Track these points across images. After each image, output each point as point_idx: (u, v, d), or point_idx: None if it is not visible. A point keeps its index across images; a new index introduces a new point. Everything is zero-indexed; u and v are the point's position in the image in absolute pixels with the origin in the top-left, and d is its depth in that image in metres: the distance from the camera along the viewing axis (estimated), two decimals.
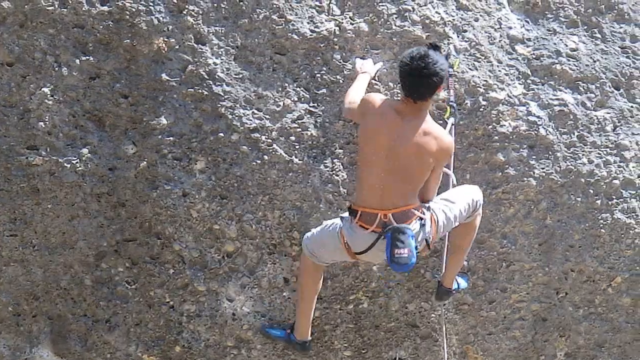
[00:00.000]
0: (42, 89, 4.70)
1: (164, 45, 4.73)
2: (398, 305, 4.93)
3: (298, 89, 4.78)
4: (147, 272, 4.82)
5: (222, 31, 4.77)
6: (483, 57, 4.84)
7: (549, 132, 4.87)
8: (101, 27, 4.73)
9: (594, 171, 4.90)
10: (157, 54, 4.73)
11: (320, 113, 4.78)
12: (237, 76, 4.75)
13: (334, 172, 4.77)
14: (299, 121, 4.76)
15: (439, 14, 4.85)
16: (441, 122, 4.60)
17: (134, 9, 4.73)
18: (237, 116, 4.74)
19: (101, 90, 4.74)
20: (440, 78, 4.22)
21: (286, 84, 4.77)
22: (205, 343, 4.88)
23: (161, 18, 4.73)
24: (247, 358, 4.92)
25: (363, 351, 5.00)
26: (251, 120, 4.74)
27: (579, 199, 4.89)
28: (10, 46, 4.66)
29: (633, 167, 4.94)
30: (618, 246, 4.96)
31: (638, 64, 5.01)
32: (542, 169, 4.85)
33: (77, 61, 4.72)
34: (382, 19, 4.82)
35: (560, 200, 4.88)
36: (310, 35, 4.78)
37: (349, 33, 4.80)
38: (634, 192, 4.95)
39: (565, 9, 5.00)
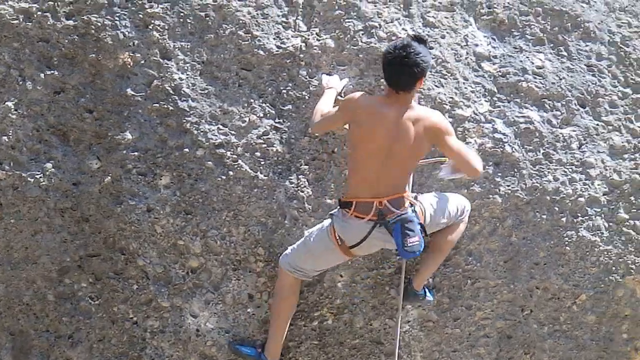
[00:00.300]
0: (6, 103, 4.74)
1: (129, 60, 4.77)
2: (363, 322, 4.97)
3: (264, 104, 4.82)
4: (111, 288, 4.85)
5: (188, 46, 4.81)
6: (449, 74, 4.90)
7: (515, 149, 4.92)
8: (66, 41, 4.77)
9: (560, 189, 4.95)
10: (123, 68, 4.77)
11: (286, 129, 4.82)
12: (202, 92, 4.80)
13: (299, 188, 4.81)
14: (265, 137, 4.81)
15: (406, 30, 4.91)
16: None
17: (99, 24, 4.77)
18: (202, 132, 4.78)
19: (66, 105, 4.78)
20: (421, 69, 4.31)
21: (252, 100, 4.82)
22: (169, 359, 4.90)
23: (127, 33, 4.78)
24: None
25: None
26: (216, 135, 4.78)
27: (544, 217, 4.94)
28: None
29: (598, 184, 5.00)
30: (583, 264, 5.01)
31: (604, 82, 5.08)
32: (508, 186, 4.91)
33: (42, 75, 4.77)
34: (349, 36, 4.87)
35: (526, 217, 4.93)
36: (277, 51, 4.83)
37: (315, 49, 4.85)
38: (599, 209, 5.00)
39: (532, 26, 5.07)
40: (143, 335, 4.90)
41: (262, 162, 4.80)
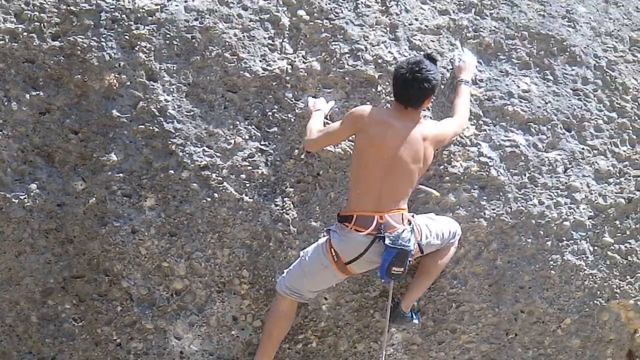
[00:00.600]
0: None
1: (115, 81, 4.83)
2: (347, 345, 5.02)
3: (249, 127, 4.88)
4: (95, 309, 4.89)
5: (174, 68, 4.87)
6: (435, 98, 4.95)
7: (500, 173, 4.99)
8: (52, 62, 4.83)
9: (545, 212, 5.02)
10: (108, 90, 4.83)
11: (272, 151, 4.88)
12: (188, 113, 4.85)
13: (284, 210, 4.86)
14: (250, 159, 4.86)
15: (392, 53, 4.98)
16: None
17: (85, 45, 4.83)
18: (187, 153, 4.83)
19: (51, 126, 4.83)
20: (431, 85, 4.48)
21: (237, 122, 4.87)
22: None
23: (113, 54, 4.83)
24: None
25: None
26: (202, 157, 4.84)
27: (529, 240, 5.00)
28: None
29: (584, 208, 5.06)
30: (568, 288, 5.07)
31: (589, 106, 5.15)
32: (493, 209, 4.97)
33: (27, 96, 4.82)
34: (335, 58, 4.94)
35: (511, 241, 5.00)
36: (263, 73, 4.90)
37: (301, 71, 4.91)
38: (584, 233, 5.06)
39: (518, 50, 5.14)
40: (127, 357, 4.94)
41: (248, 185, 4.86)
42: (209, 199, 4.84)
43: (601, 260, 5.09)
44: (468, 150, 4.98)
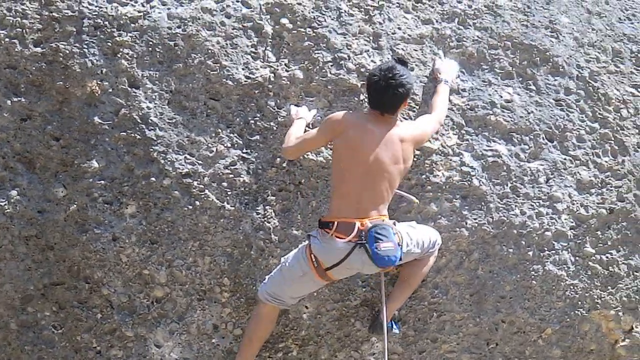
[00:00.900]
0: None
1: (97, 88, 4.87)
2: (327, 354, 5.07)
3: (231, 134, 4.92)
4: (75, 317, 4.93)
5: (157, 75, 4.91)
6: (417, 107, 5.00)
7: (482, 182, 5.04)
8: (34, 68, 4.87)
9: (527, 222, 5.07)
10: (90, 96, 4.88)
11: (253, 159, 4.92)
12: (170, 121, 4.89)
13: (265, 219, 4.90)
14: (232, 167, 4.91)
15: (375, 62, 5.04)
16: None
17: (67, 51, 4.87)
18: (169, 161, 4.87)
19: (32, 132, 4.87)
20: (406, 90, 4.55)
21: (220, 130, 4.91)
22: None
23: (95, 61, 4.87)
24: None
25: None
26: (183, 165, 4.88)
27: (510, 250, 5.05)
28: None
29: (565, 219, 5.11)
30: (549, 298, 5.12)
31: (572, 117, 5.21)
32: (475, 219, 5.02)
33: (9, 102, 4.86)
34: (318, 67, 4.98)
35: (492, 251, 5.05)
36: (245, 81, 4.94)
37: (283, 80, 4.96)
38: (565, 244, 5.12)
39: (501, 60, 5.20)
40: None
41: (229, 193, 4.89)
42: (190, 207, 4.88)
43: (582, 270, 5.15)
44: (450, 160, 5.03)
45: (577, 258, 5.14)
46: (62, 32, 4.88)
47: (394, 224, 4.64)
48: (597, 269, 5.16)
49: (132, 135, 4.87)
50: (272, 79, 4.96)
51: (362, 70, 5.00)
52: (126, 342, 4.96)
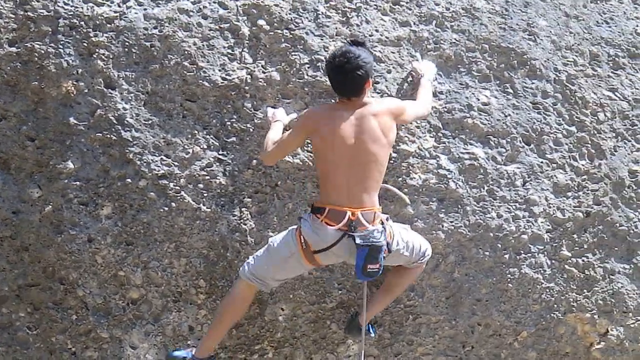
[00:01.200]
0: None
1: (72, 88, 4.88)
2: (303, 356, 5.11)
3: (208, 136, 4.94)
4: (49, 318, 4.96)
5: (133, 76, 4.92)
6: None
7: (459, 185, 5.07)
8: (9, 68, 4.89)
9: (503, 226, 5.11)
10: (66, 97, 4.89)
11: (230, 161, 4.94)
12: (146, 122, 4.91)
13: (241, 220, 4.93)
14: (208, 169, 4.93)
15: None
16: None
17: (42, 51, 4.88)
18: (145, 162, 4.88)
19: (7, 133, 4.88)
20: (364, 71, 4.53)
21: (196, 131, 4.93)
22: None
23: (70, 61, 4.89)
24: None
25: None
26: (159, 166, 4.90)
27: (487, 253, 5.10)
28: None
29: (542, 222, 5.16)
30: (525, 301, 5.17)
31: (549, 120, 5.25)
32: (451, 222, 5.05)
33: None
34: (294, 69, 5.00)
35: (469, 254, 5.09)
36: (222, 82, 4.96)
37: (260, 81, 4.98)
38: (542, 247, 5.16)
39: (478, 63, 5.23)
40: None
41: (205, 194, 4.92)
42: (166, 208, 4.90)
43: (558, 273, 5.20)
44: (427, 163, 5.06)
45: (553, 261, 5.19)
46: (38, 32, 4.89)
47: (387, 219, 4.66)
48: (573, 272, 5.22)
49: (108, 136, 4.89)
50: (249, 81, 4.98)
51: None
52: (101, 344, 4.99)
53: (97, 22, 4.92)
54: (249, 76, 4.99)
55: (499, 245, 5.12)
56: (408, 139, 5.03)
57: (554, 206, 5.19)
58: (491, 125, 5.17)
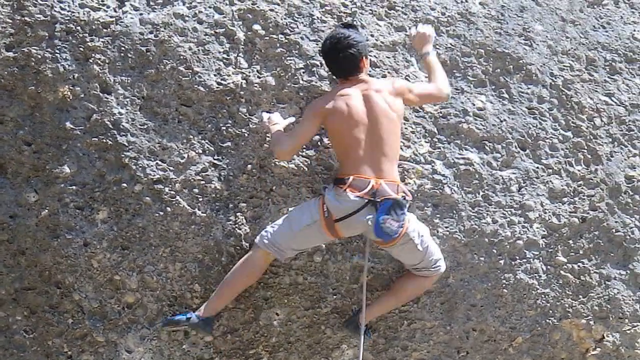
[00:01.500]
0: None
1: (69, 93, 4.93)
2: None
3: (203, 141, 4.98)
4: (46, 322, 5.01)
5: (128, 81, 4.97)
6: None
7: (454, 191, 5.10)
8: (6, 73, 4.95)
9: (498, 231, 5.13)
10: (62, 101, 4.94)
11: (225, 166, 4.98)
12: (142, 127, 4.96)
13: (236, 225, 4.97)
14: (203, 174, 4.97)
15: None
16: None
17: (39, 56, 4.93)
18: (140, 167, 4.93)
19: (4, 137, 4.95)
20: (357, 49, 4.74)
21: (191, 136, 4.97)
22: None
23: (67, 66, 4.94)
24: None
25: None
26: (155, 171, 4.94)
27: (482, 259, 5.12)
28: None
29: (537, 227, 5.18)
30: (520, 306, 5.19)
31: (545, 125, 5.27)
32: (446, 227, 5.08)
33: None
34: (290, 73, 5.04)
35: (464, 259, 5.12)
36: (217, 87, 5.00)
37: (255, 86, 5.02)
38: (537, 252, 5.18)
39: (474, 68, 5.25)
40: None
41: (200, 199, 4.96)
42: (161, 213, 4.94)
43: (554, 279, 5.22)
44: (422, 168, 5.07)
45: (548, 267, 5.21)
46: (34, 37, 4.95)
47: (409, 195, 4.76)
48: (569, 278, 5.23)
49: (104, 140, 4.94)
50: (244, 86, 5.02)
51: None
52: (97, 347, 5.04)
53: (93, 27, 4.98)
54: (244, 81, 5.03)
55: (494, 251, 5.14)
56: (403, 144, 5.06)
57: (549, 212, 5.21)
58: (486, 131, 5.20)
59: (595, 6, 5.61)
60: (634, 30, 5.60)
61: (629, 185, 5.35)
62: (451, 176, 5.12)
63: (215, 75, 5.02)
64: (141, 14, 5.03)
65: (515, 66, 5.31)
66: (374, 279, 5.05)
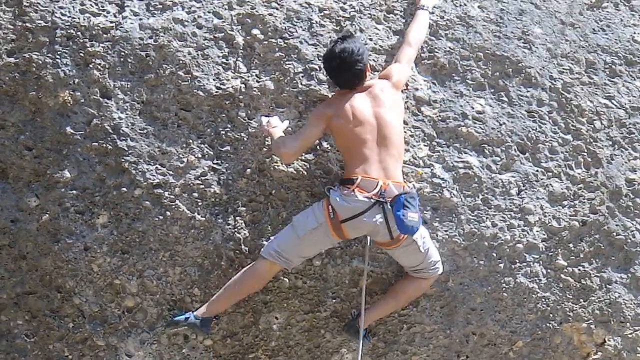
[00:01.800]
0: None
1: (69, 98, 4.99)
2: None
3: (202, 145, 5.03)
4: (47, 326, 5.07)
5: (128, 86, 5.02)
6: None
7: (453, 194, 5.12)
8: (7, 78, 5.01)
9: (498, 234, 5.15)
10: (63, 107, 5.00)
11: (224, 170, 5.02)
12: (141, 131, 5.00)
13: (236, 229, 5.01)
14: (203, 178, 5.02)
15: None
16: None
17: (40, 62, 4.99)
18: (140, 171, 4.98)
19: (5, 142, 5.01)
20: (362, 64, 4.82)
21: (190, 141, 5.02)
22: None
23: (67, 71, 5.00)
24: None
25: None
26: (154, 175, 4.99)
27: (481, 262, 5.14)
28: None
29: (537, 231, 5.19)
30: (520, 310, 5.21)
31: (544, 128, 5.28)
32: (445, 231, 5.10)
33: None
34: (288, 78, 5.08)
35: (463, 263, 5.13)
36: (216, 92, 5.05)
37: (254, 91, 5.07)
38: (537, 256, 5.19)
39: (473, 71, 5.28)
40: None
41: (200, 203, 5.00)
42: (161, 217, 4.99)
43: (554, 283, 5.22)
44: (422, 173, 5.09)
45: (548, 270, 5.22)
46: (35, 43, 5.02)
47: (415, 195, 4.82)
48: (569, 282, 5.24)
49: (104, 145, 4.99)
50: (243, 90, 5.07)
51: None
52: (97, 352, 5.09)
53: (94, 32, 5.04)
54: (243, 85, 5.07)
55: (494, 254, 5.16)
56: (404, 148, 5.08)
57: (549, 215, 5.22)
58: (486, 134, 5.22)
59: (594, 9, 5.62)
60: (634, 33, 5.61)
61: (630, 188, 5.35)
62: (450, 180, 5.14)
63: (214, 79, 5.07)
64: (141, 19, 5.08)
65: (515, 69, 5.34)
66: (374, 283, 5.08)
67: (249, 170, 5.03)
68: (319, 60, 5.11)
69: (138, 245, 5.01)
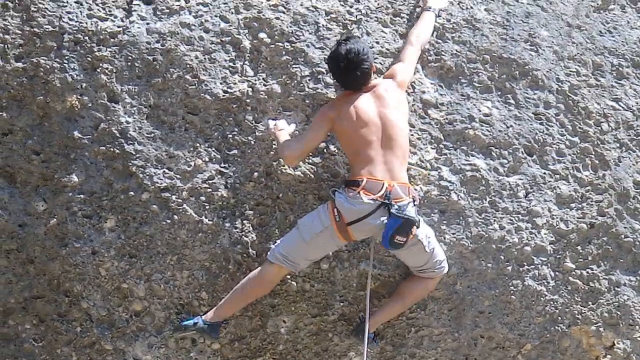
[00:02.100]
0: None
1: (77, 102, 5.03)
2: None
3: (209, 149, 5.06)
4: (55, 330, 5.10)
5: (135, 90, 5.06)
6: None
7: (461, 197, 5.14)
8: (15, 83, 5.05)
9: (505, 237, 5.17)
10: (70, 111, 5.04)
11: (231, 174, 5.05)
12: (149, 135, 5.04)
13: (243, 233, 5.04)
14: (210, 181, 5.05)
15: None
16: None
17: (48, 66, 5.04)
18: (148, 175, 5.01)
19: (13, 147, 5.04)
20: (368, 64, 4.85)
21: (198, 144, 5.05)
22: None
23: (75, 75, 5.04)
24: None
25: None
26: (162, 179, 5.02)
27: (489, 265, 5.15)
28: None
29: (545, 233, 5.21)
30: (528, 313, 5.22)
31: (551, 131, 5.30)
32: (453, 234, 5.12)
33: None
34: (295, 81, 5.12)
35: (471, 265, 5.14)
36: (223, 95, 5.08)
37: (261, 94, 5.10)
38: (545, 259, 5.21)
39: (480, 74, 5.30)
40: None
41: (207, 207, 5.03)
42: (168, 221, 5.02)
43: (562, 285, 5.24)
44: (428, 174, 5.12)
45: (557, 273, 5.23)
46: (43, 47, 5.06)
47: (418, 198, 4.86)
48: (578, 284, 5.25)
49: (111, 149, 5.03)
50: (250, 94, 5.10)
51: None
52: (105, 356, 5.12)
53: (101, 36, 5.08)
54: (250, 89, 5.11)
55: (502, 257, 5.18)
56: (409, 150, 5.09)
57: (557, 217, 5.24)
58: (493, 137, 5.24)
59: (601, 11, 5.65)
60: None
61: (638, 190, 5.37)
62: (458, 182, 5.16)
63: (221, 83, 5.10)
64: (148, 24, 5.12)
65: (521, 72, 5.36)
66: (381, 286, 5.11)
67: (256, 173, 5.06)
68: (326, 63, 5.14)
69: (145, 249, 5.04)
